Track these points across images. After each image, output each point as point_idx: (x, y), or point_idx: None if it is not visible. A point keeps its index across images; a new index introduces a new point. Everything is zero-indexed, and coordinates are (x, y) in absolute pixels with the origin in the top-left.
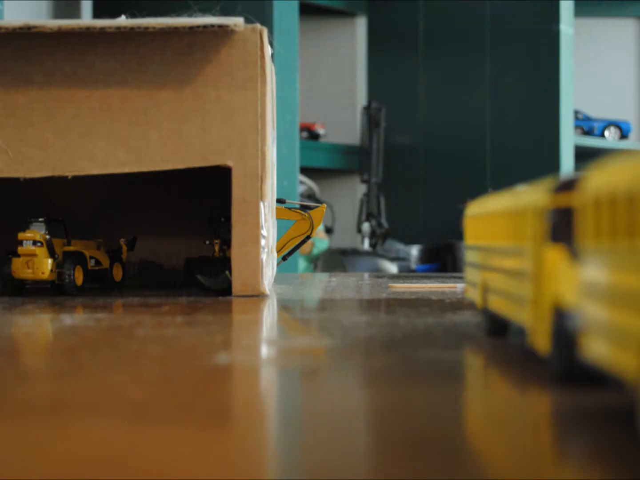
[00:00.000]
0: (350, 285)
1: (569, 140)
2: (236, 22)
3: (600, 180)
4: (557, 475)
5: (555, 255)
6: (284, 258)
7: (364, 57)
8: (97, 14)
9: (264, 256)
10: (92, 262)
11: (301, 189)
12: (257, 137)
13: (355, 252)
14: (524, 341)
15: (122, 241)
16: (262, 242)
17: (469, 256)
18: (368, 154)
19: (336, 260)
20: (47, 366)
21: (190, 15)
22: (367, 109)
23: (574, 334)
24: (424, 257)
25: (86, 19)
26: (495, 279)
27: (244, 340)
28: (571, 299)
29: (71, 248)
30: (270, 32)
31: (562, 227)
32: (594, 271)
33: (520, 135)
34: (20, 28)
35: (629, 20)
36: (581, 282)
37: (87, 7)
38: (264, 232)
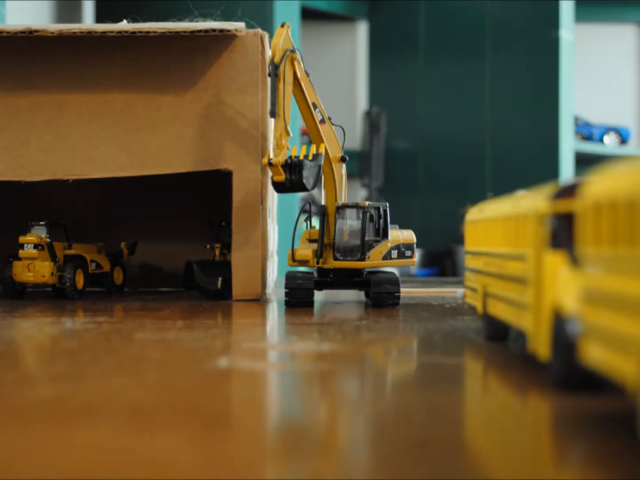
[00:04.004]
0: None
1: (568, 146)
2: (237, 26)
3: (600, 186)
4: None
5: (555, 261)
6: None
7: (364, 61)
8: (99, 14)
9: (264, 260)
10: (93, 266)
11: (301, 193)
12: (258, 142)
13: None
14: (524, 346)
15: (123, 245)
16: (263, 246)
17: (469, 261)
18: (368, 159)
19: None
20: (48, 369)
21: (191, 20)
22: (367, 113)
23: (574, 339)
24: (424, 262)
25: (88, 21)
26: (496, 285)
27: (242, 344)
28: (571, 305)
29: (72, 251)
30: (271, 37)
31: (562, 233)
32: (594, 277)
33: (520, 140)
34: (22, 32)
35: (629, 26)
36: (581, 288)
37: (89, 7)
38: (264, 236)
